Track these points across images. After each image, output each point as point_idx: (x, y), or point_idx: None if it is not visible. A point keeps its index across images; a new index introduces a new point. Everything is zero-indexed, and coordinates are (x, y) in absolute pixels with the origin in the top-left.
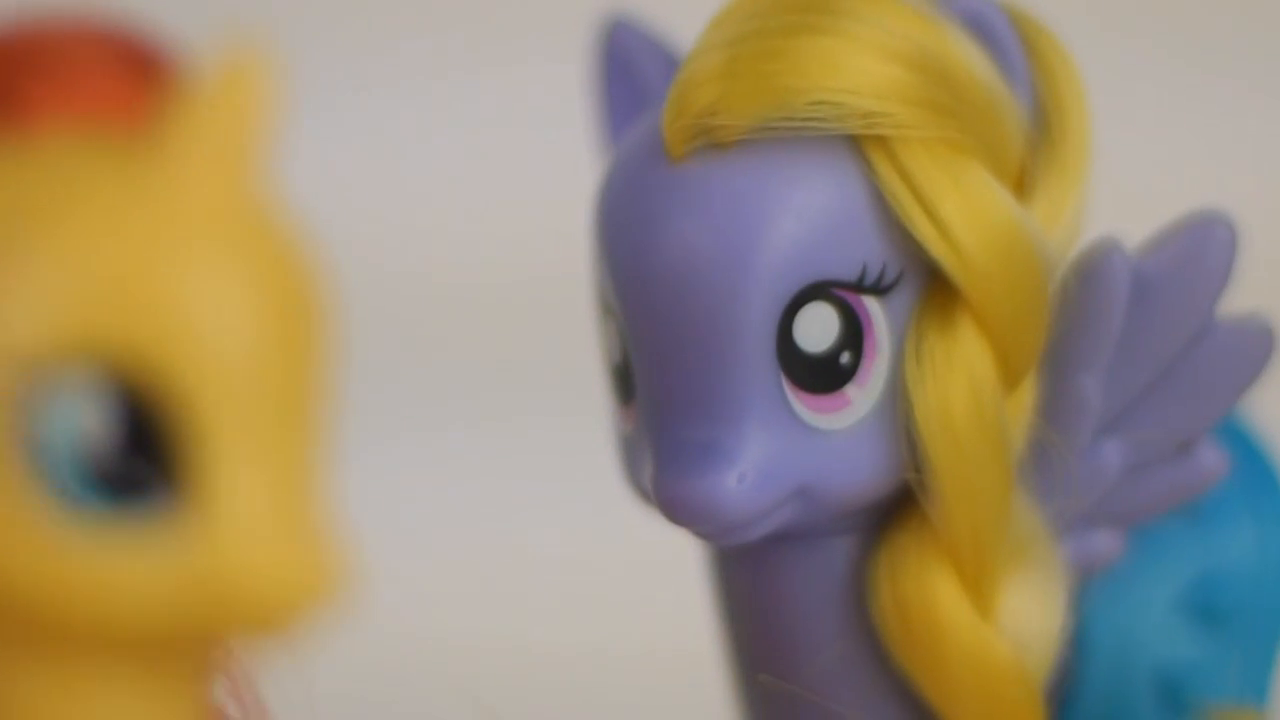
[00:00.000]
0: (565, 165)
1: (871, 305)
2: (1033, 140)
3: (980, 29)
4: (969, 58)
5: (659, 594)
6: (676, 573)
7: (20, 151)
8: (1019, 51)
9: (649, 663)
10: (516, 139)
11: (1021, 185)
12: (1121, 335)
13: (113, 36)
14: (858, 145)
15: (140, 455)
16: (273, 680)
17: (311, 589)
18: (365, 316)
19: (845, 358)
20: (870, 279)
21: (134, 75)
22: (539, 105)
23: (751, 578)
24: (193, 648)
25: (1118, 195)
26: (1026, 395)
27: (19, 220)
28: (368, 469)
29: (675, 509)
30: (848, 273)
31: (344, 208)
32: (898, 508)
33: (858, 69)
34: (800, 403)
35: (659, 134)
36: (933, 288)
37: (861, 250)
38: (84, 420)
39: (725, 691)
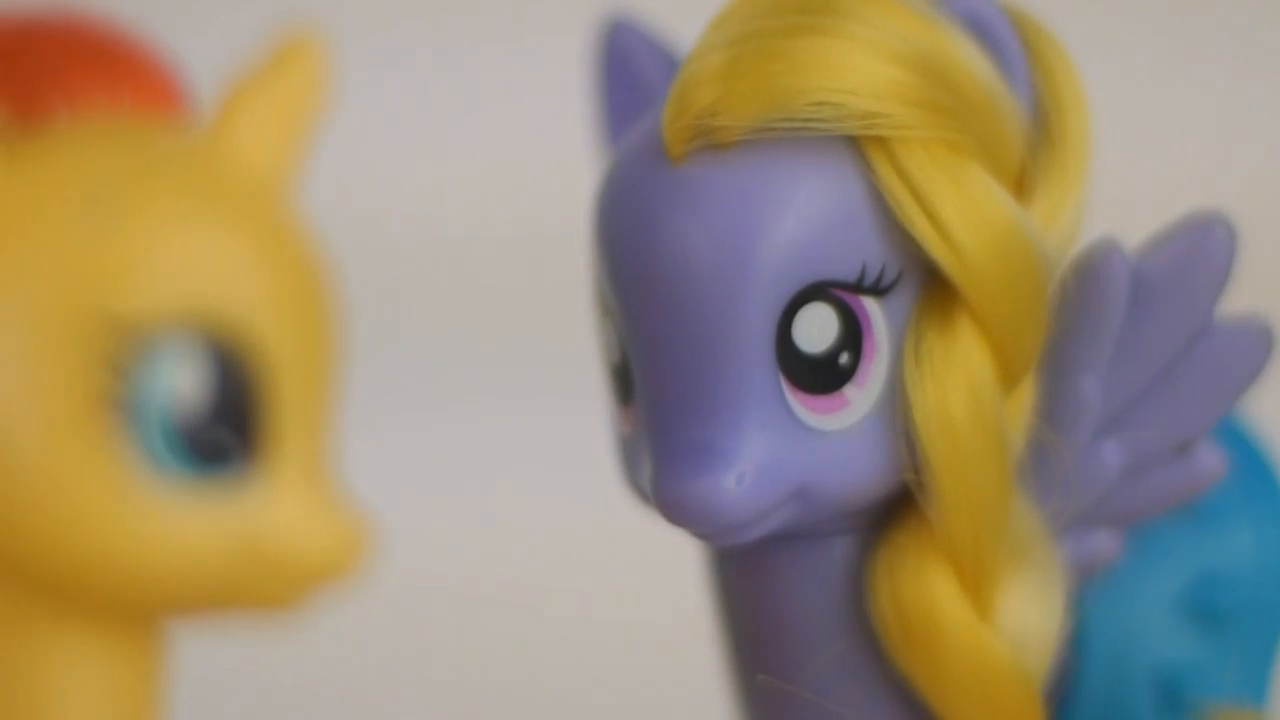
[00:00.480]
0: (566, 146)
1: (870, 306)
2: (1032, 141)
3: (980, 29)
4: (969, 58)
5: (656, 568)
6: (674, 546)
7: (84, 131)
8: (1019, 52)
9: (645, 636)
10: (518, 116)
11: (1021, 186)
12: (1120, 336)
13: (136, 36)
14: (857, 146)
15: (224, 422)
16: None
17: (347, 553)
18: (366, 295)
19: (844, 358)
20: (869, 280)
21: (165, 71)
22: (538, 88)
23: (750, 578)
24: (227, 608)
25: (1117, 195)
26: (1025, 396)
27: (111, 197)
28: (371, 443)
29: (674, 509)
30: (847, 273)
31: (344, 189)
32: (896, 508)
33: (857, 70)
34: (799, 403)
35: (659, 134)
36: (932, 288)
37: (861, 251)
38: (179, 385)
39: (720, 670)
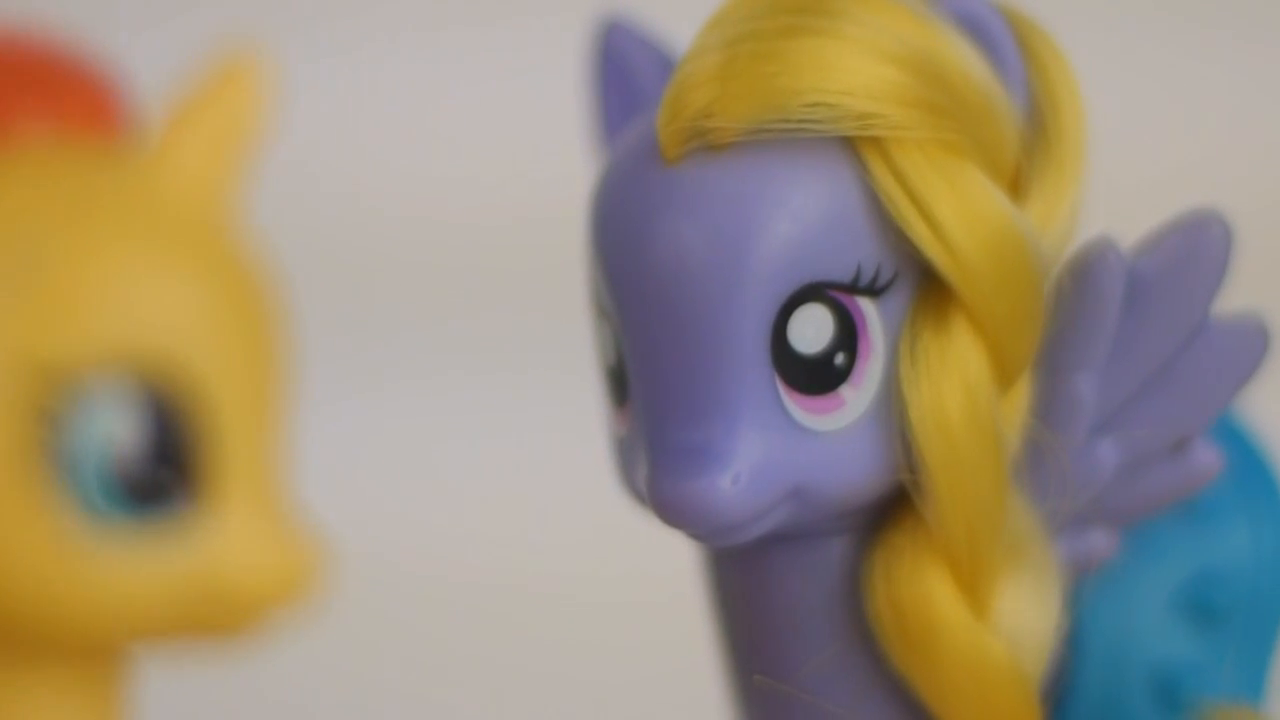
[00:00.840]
0: (558, 127)
1: (866, 306)
2: (1028, 140)
3: (975, 29)
4: (964, 59)
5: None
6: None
7: (16, 164)
8: (1014, 52)
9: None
10: (509, 98)
11: (1016, 185)
12: (1116, 334)
13: (77, 53)
14: (852, 147)
15: (164, 464)
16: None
17: (296, 581)
18: (361, 278)
19: (839, 359)
20: (865, 280)
21: (107, 89)
22: (528, 69)
23: (746, 579)
24: (177, 642)
25: (1113, 194)
26: (1021, 395)
27: (40, 236)
28: (365, 426)
29: (670, 511)
30: (842, 274)
31: (335, 173)
32: (892, 508)
33: (852, 70)
34: (794, 404)
35: (654, 136)
36: (927, 288)
37: (856, 251)
38: (114, 431)
39: (715, 665)
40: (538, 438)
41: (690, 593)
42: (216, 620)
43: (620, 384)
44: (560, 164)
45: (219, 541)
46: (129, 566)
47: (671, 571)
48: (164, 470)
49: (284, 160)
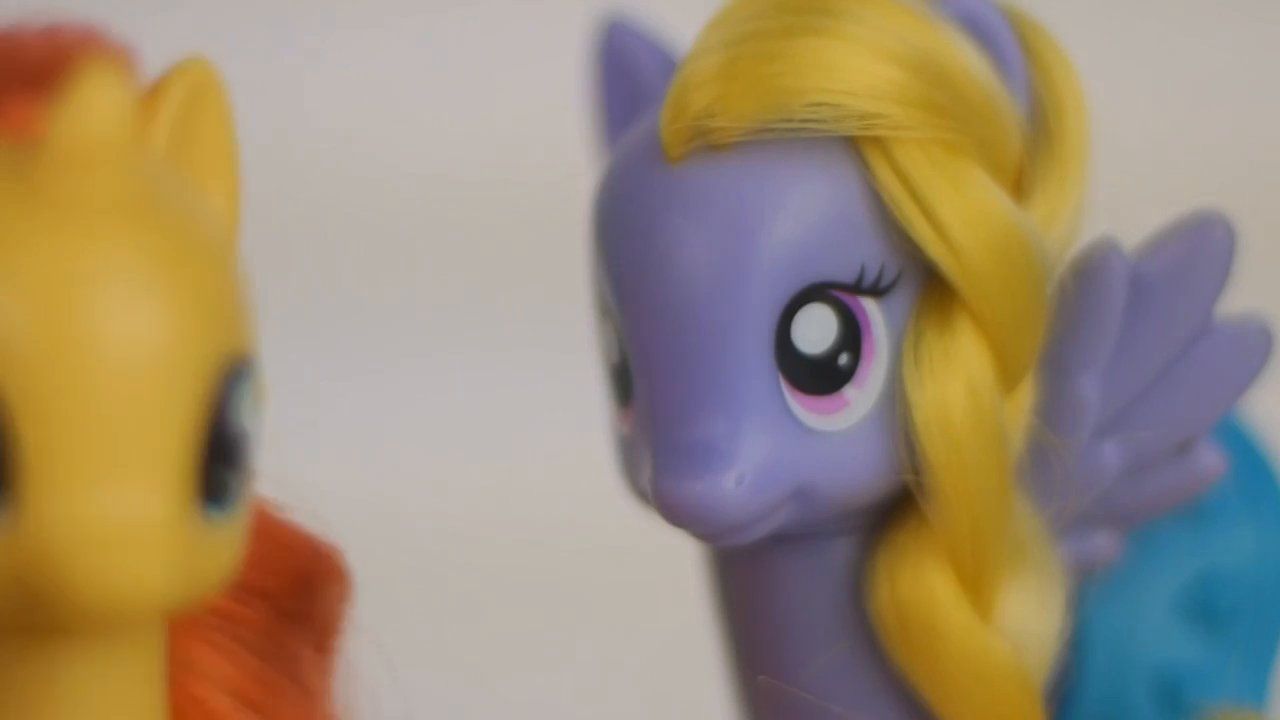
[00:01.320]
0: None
1: (869, 307)
2: (1030, 141)
3: (978, 30)
4: (966, 59)
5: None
6: None
7: None
8: (1017, 52)
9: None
10: (508, 53)
11: (1019, 186)
12: (1120, 336)
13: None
14: (855, 147)
15: None
16: None
17: (113, 581)
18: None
19: (843, 359)
20: (868, 281)
21: (28, 84)
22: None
23: (750, 579)
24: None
25: (1116, 195)
26: (1025, 396)
27: None
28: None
29: (673, 510)
30: (846, 274)
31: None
32: (896, 509)
33: (855, 70)
34: (798, 404)
35: (657, 136)
36: (931, 289)
37: (859, 252)
38: None
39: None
40: (535, 414)
41: (688, 569)
42: (50, 612)
43: (624, 383)
44: (558, 143)
45: (34, 541)
46: None
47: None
48: None
49: (282, 140)
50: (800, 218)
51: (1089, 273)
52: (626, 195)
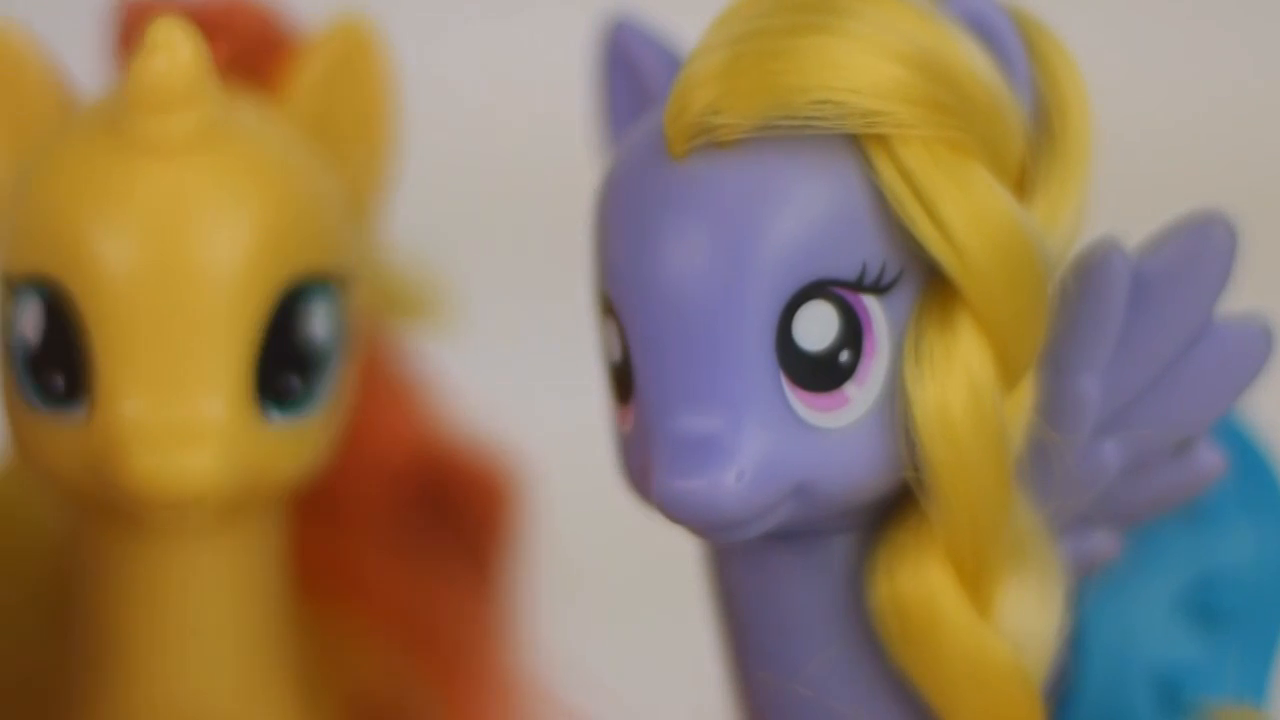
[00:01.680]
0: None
1: (871, 304)
2: (1033, 140)
3: (982, 29)
4: (971, 57)
5: None
6: None
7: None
8: (1020, 51)
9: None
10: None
11: (1022, 185)
12: (1120, 335)
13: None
14: (859, 144)
15: (57, 366)
16: None
17: (167, 479)
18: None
19: (844, 356)
20: (870, 278)
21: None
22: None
23: (749, 576)
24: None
25: (1118, 195)
26: (1025, 394)
27: (31, 166)
28: None
29: (673, 506)
30: (848, 272)
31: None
32: (896, 506)
33: (859, 68)
34: (799, 401)
35: (661, 133)
36: (932, 287)
37: (861, 249)
38: (28, 333)
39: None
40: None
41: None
42: (117, 489)
43: (624, 380)
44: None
45: (103, 438)
46: (52, 447)
47: None
48: (56, 371)
49: None
50: (803, 215)
51: (1090, 272)
52: (630, 192)
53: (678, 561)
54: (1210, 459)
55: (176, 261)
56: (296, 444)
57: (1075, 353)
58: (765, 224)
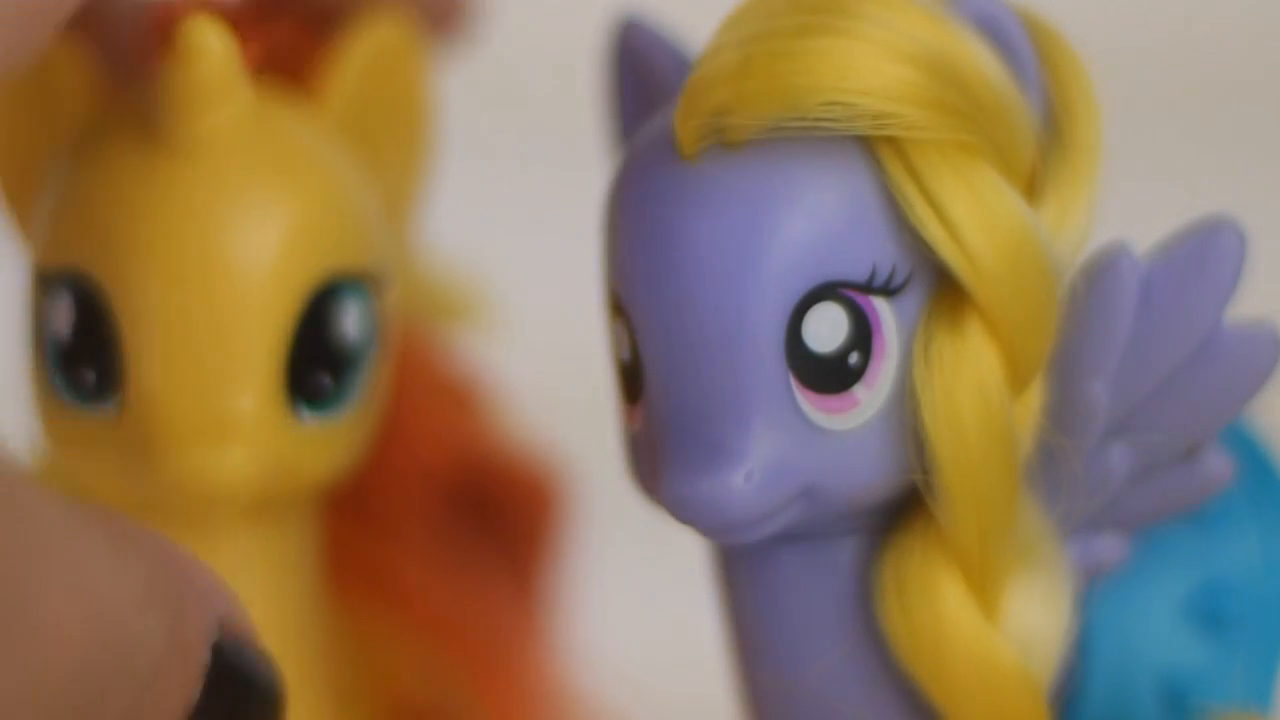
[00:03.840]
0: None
1: (881, 306)
2: (1043, 143)
3: (992, 31)
4: (981, 60)
5: None
6: None
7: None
8: (1031, 54)
9: None
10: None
11: (1032, 188)
12: (1129, 340)
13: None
14: (869, 146)
15: (88, 361)
16: None
17: (197, 482)
18: None
19: (854, 358)
20: (880, 280)
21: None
22: None
23: (756, 578)
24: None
25: (1127, 199)
26: (1034, 398)
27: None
28: None
29: (682, 507)
30: (857, 274)
31: None
32: (904, 509)
33: (870, 70)
34: (808, 402)
35: (671, 133)
36: (942, 289)
37: (871, 251)
38: (59, 328)
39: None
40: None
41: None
42: (153, 483)
43: (634, 380)
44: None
45: (135, 428)
46: (85, 444)
47: None
48: (86, 368)
49: None
50: (813, 216)
51: (1100, 276)
52: (640, 192)
53: (680, 561)
54: (1218, 465)
55: (209, 258)
56: (328, 443)
57: (1084, 357)
58: (775, 225)
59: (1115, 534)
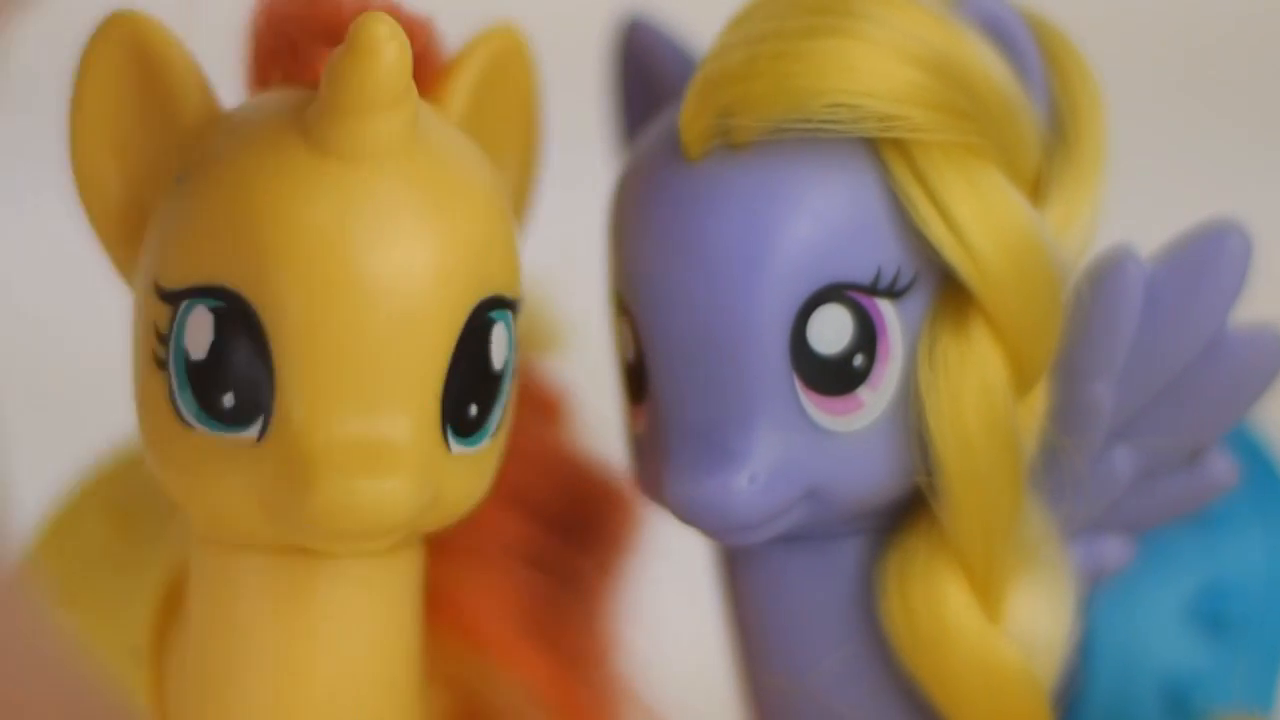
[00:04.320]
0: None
1: (885, 308)
2: (1048, 144)
3: (998, 33)
4: (987, 62)
5: None
6: None
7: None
8: (1036, 56)
9: None
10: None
11: (1037, 190)
12: (1134, 342)
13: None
14: (874, 148)
15: (226, 384)
16: None
17: (347, 518)
18: None
19: (858, 360)
20: (884, 282)
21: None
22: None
23: (760, 579)
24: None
25: (1132, 201)
26: (1038, 401)
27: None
28: None
29: (686, 509)
30: (862, 275)
31: None
32: (907, 511)
33: (875, 72)
34: (813, 404)
35: (676, 134)
36: (947, 292)
37: (876, 253)
38: (191, 347)
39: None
40: None
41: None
42: (298, 529)
43: (638, 381)
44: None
45: (280, 469)
46: (217, 472)
47: None
48: (228, 392)
49: None
50: (818, 218)
51: (1104, 278)
52: (645, 193)
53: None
54: (1222, 468)
55: (374, 274)
56: (472, 473)
57: (1088, 359)
58: (780, 227)
59: (1119, 536)
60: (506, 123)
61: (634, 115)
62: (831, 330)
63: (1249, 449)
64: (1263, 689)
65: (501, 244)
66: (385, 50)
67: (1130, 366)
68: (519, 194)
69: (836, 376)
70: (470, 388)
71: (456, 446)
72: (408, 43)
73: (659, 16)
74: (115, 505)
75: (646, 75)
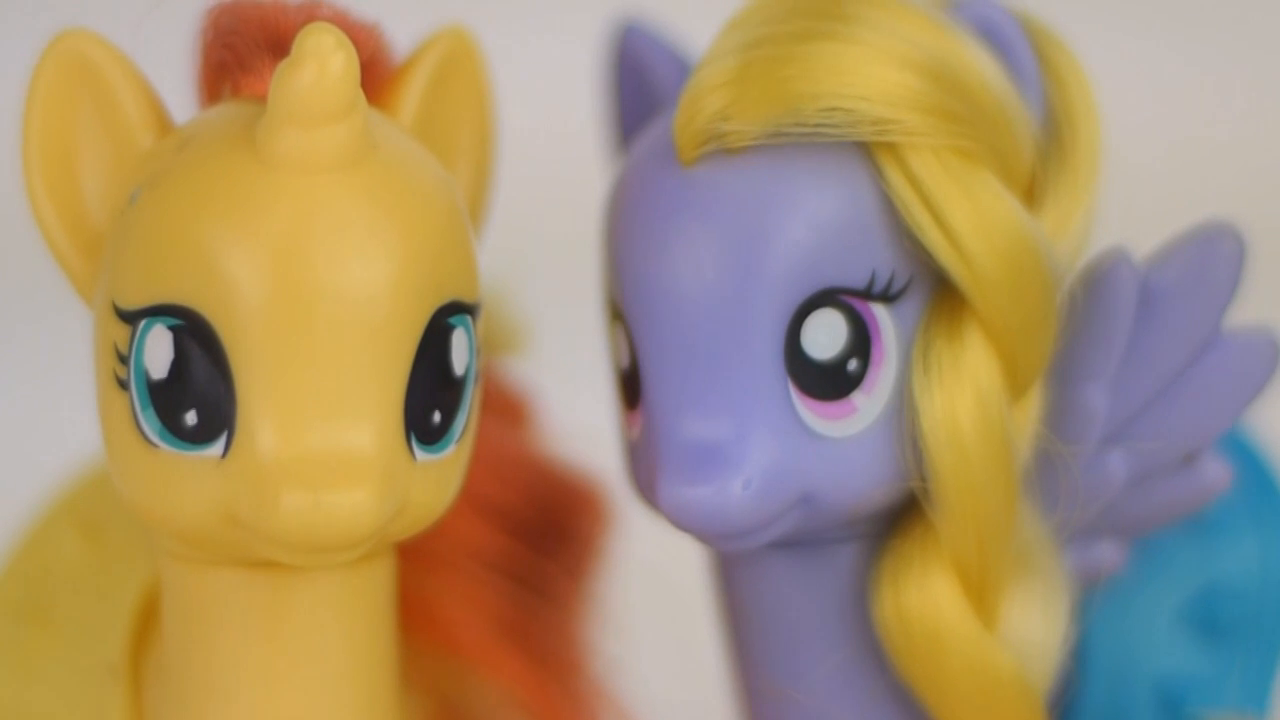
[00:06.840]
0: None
1: (880, 313)
2: (1043, 148)
3: (993, 37)
4: (981, 66)
5: None
6: None
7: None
8: (1031, 60)
9: None
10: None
11: (1031, 194)
12: (1128, 346)
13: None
14: (869, 152)
15: (188, 402)
16: None
17: (313, 530)
18: None
19: (853, 365)
20: (879, 287)
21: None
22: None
23: (754, 585)
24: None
25: (1127, 205)
26: (1033, 405)
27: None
28: None
29: (680, 514)
30: (856, 280)
31: None
32: (902, 516)
33: (870, 76)
34: (807, 409)
35: (670, 138)
36: (941, 296)
37: (871, 258)
38: (151, 367)
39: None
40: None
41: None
42: (259, 549)
43: (632, 387)
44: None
45: (242, 483)
46: (179, 488)
47: None
48: (187, 406)
49: None
50: (812, 223)
51: (1098, 282)
52: (639, 197)
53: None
54: (1216, 472)
55: (328, 286)
56: (440, 480)
57: (1082, 363)
58: (774, 231)
59: (1113, 540)
60: (459, 125)
61: (628, 120)
62: (826, 335)
63: (1243, 453)
64: (1257, 693)
65: (458, 248)
66: (331, 61)
67: (1124, 370)
68: (474, 196)
69: (831, 381)
70: (432, 395)
71: (421, 454)
72: (355, 52)
73: (653, 21)
74: (87, 522)
75: (641, 80)
